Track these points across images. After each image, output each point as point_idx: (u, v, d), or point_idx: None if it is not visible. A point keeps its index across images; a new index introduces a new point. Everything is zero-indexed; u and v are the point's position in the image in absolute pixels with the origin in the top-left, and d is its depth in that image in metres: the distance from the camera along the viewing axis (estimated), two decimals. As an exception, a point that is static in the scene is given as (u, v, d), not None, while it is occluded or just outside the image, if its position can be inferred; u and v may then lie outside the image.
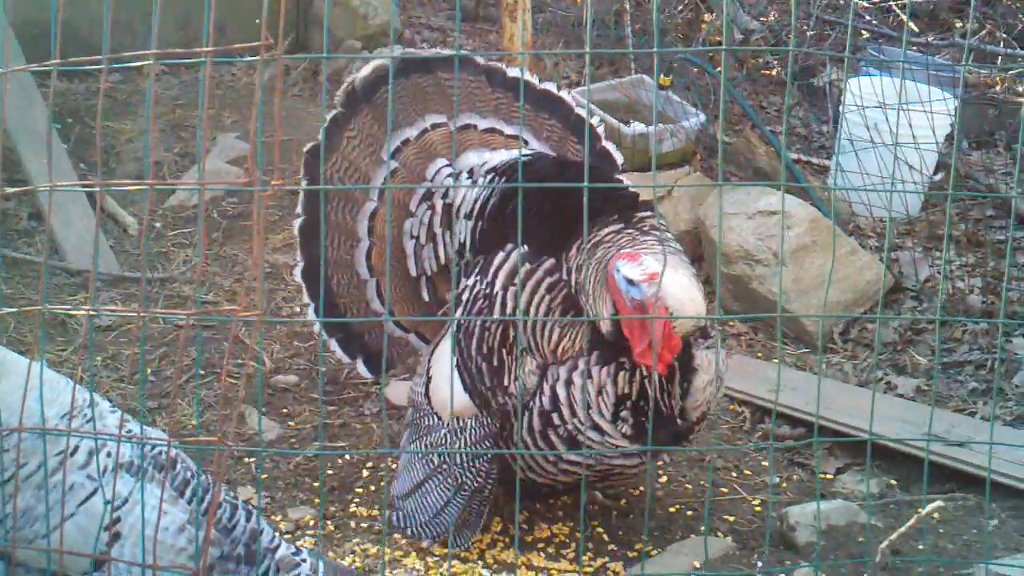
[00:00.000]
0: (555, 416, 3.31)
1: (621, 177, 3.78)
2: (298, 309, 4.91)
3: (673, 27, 7.09)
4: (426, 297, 3.82)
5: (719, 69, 5.60)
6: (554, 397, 3.31)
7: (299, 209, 3.84)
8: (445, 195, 3.71)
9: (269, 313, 4.80)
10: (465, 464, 3.48)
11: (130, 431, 2.51)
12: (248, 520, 2.61)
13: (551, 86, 3.88)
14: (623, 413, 3.28)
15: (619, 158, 3.90)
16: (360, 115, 3.82)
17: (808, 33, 6.67)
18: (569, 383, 3.28)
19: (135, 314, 1.73)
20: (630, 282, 3.13)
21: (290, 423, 4.21)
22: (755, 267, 4.89)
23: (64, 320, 4.66)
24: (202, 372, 4.42)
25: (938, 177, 5.77)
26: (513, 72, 3.86)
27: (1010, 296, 4.98)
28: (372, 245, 3.86)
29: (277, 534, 2.75)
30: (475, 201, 3.63)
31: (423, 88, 3.84)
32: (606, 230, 3.39)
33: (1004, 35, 6.89)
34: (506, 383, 3.37)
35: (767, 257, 4.88)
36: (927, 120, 5.13)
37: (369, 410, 4.30)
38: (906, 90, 4.89)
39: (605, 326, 3.26)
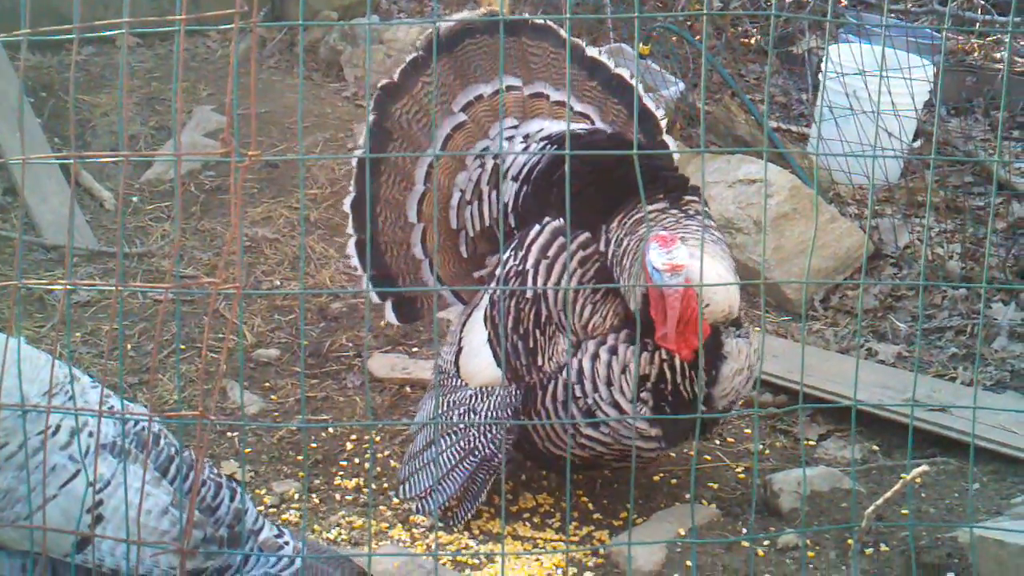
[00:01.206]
0: (577, 388, 3.32)
1: (667, 139, 3.85)
2: (278, 283, 4.88)
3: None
4: (464, 253, 3.81)
5: (699, 37, 5.58)
6: (580, 370, 3.32)
7: (363, 140, 3.83)
8: (497, 155, 3.72)
9: (249, 286, 4.76)
10: (482, 429, 3.48)
11: (111, 407, 2.48)
12: (232, 500, 2.59)
13: (625, 72, 3.84)
14: (643, 394, 3.29)
15: (677, 154, 3.90)
16: (439, 63, 3.79)
17: (788, 1, 6.65)
18: (596, 357, 3.30)
19: (112, 288, 1.70)
20: (655, 268, 3.16)
21: (272, 397, 4.19)
22: (736, 235, 4.89)
23: (42, 296, 4.62)
24: (183, 347, 4.39)
25: (917, 144, 5.78)
26: (592, 52, 3.86)
27: (989, 261, 5.00)
28: (426, 191, 3.83)
29: (261, 515, 2.73)
30: (524, 165, 3.63)
31: (505, 50, 3.81)
32: (651, 207, 3.40)
33: (982, 2, 6.89)
34: (539, 362, 3.39)
35: (747, 225, 4.88)
36: (906, 87, 5.13)
37: (352, 383, 4.29)
38: (885, 57, 4.89)
39: (634, 304, 3.26)
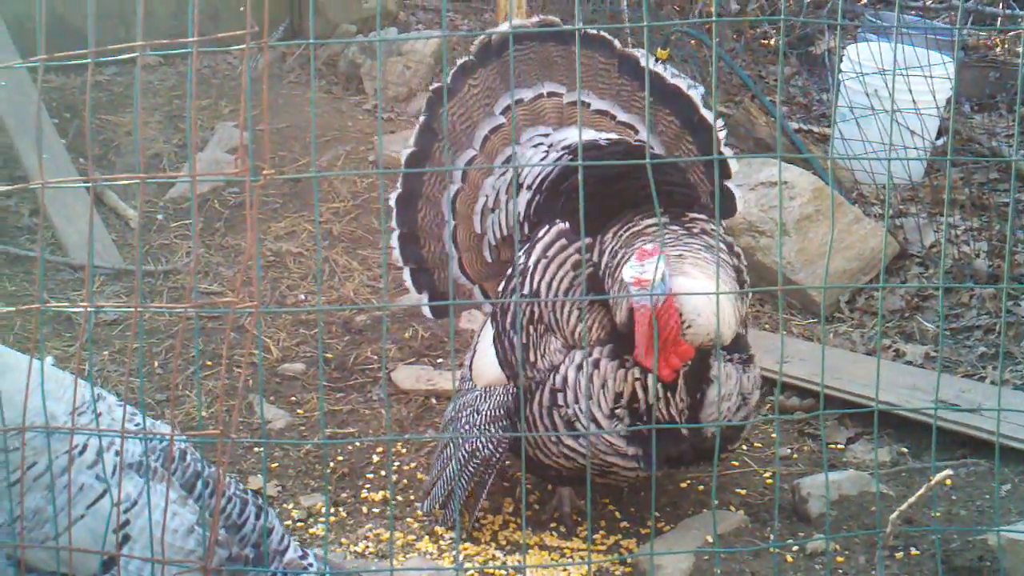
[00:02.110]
0: (560, 396, 3.31)
1: (729, 185, 3.76)
2: (303, 297, 4.91)
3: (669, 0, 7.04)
4: (488, 258, 3.84)
5: (718, 40, 5.56)
6: (564, 378, 3.31)
7: (411, 141, 3.87)
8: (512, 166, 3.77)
9: (273, 302, 4.79)
10: (482, 429, 3.48)
11: (137, 425, 2.50)
12: (258, 518, 2.60)
13: (682, 83, 3.80)
14: (618, 410, 3.26)
15: (733, 166, 3.81)
16: (487, 67, 3.84)
17: (806, 1, 6.62)
18: (580, 368, 3.27)
19: (132, 309, 1.72)
20: (625, 282, 3.11)
21: (298, 411, 4.21)
22: (759, 239, 4.87)
23: (70, 316, 4.66)
24: (209, 363, 4.42)
25: (940, 142, 5.74)
26: (593, 32, 3.85)
27: (1016, 259, 4.95)
28: (460, 189, 3.87)
29: (287, 534, 2.73)
30: (537, 175, 3.65)
31: (552, 57, 3.84)
32: (648, 222, 3.36)
33: (1003, -4, 6.84)
34: (532, 358, 3.39)
35: (771, 228, 4.86)
36: (927, 85, 5.09)
37: (377, 395, 4.30)
38: (905, 55, 4.85)
39: (619, 318, 3.24)
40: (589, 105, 3.84)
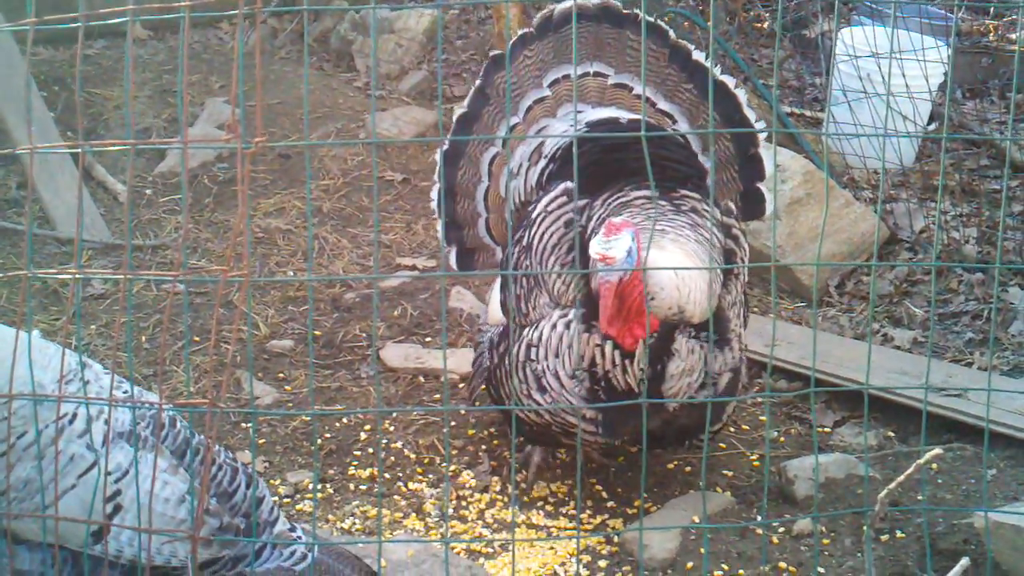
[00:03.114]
0: (534, 351, 3.40)
1: (760, 187, 3.75)
2: (291, 273, 4.89)
3: (664, -19, 7.00)
4: (508, 222, 3.90)
5: (710, 23, 5.54)
6: (540, 334, 3.39)
7: (466, 102, 3.95)
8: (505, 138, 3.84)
9: (263, 276, 4.77)
10: (487, 349, 3.68)
11: (125, 393, 2.48)
12: (248, 487, 2.59)
13: (729, 80, 3.79)
14: (579, 373, 3.30)
15: (767, 167, 3.75)
16: (543, 40, 3.88)
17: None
18: (554, 327, 3.36)
19: (121, 276, 1.70)
20: (591, 255, 3.15)
21: (286, 387, 4.19)
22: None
23: (56, 289, 4.63)
24: (197, 338, 4.40)
25: (932, 127, 5.73)
26: (698, 56, 3.81)
27: (1005, 245, 4.96)
28: (498, 153, 3.93)
29: (276, 506, 2.73)
30: (554, 146, 3.72)
31: (605, 38, 3.86)
32: (637, 193, 3.41)
33: (998, -19, 6.82)
34: (525, 310, 3.49)
35: (763, 211, 4.84)
36: (920, 69, 5.09)
37: (366, 373, 4.29)
38: (899, 39, 4.84)
39: (593, 285, 3.28)
40: (631, 89, 3.85)
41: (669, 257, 3.18)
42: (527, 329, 3.47)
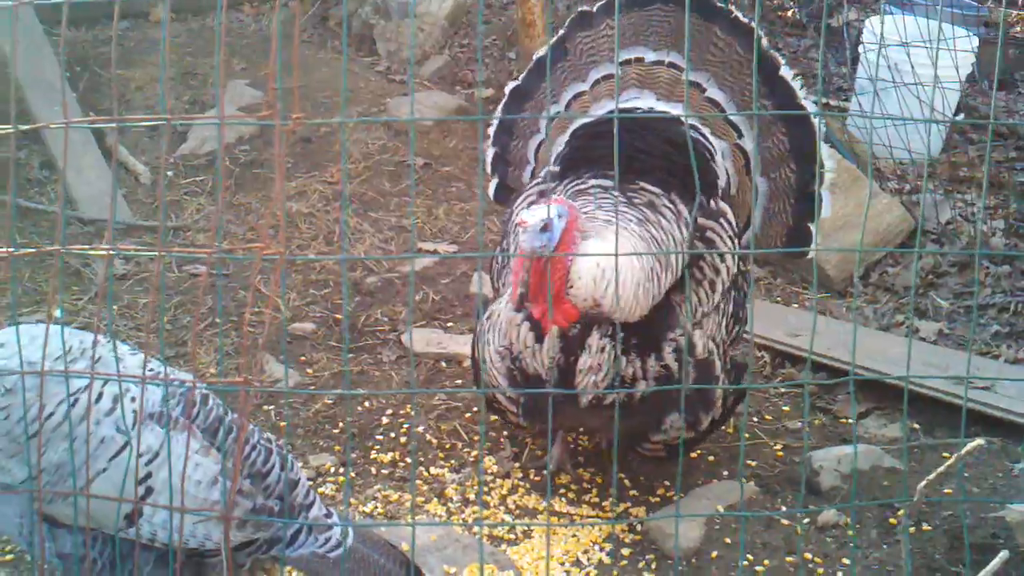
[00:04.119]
0: (487, 324, 3.36)
1: (823, 193, 3.57)
2: (312, 255, 4.88)
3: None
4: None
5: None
6: (494, 308, 3.37)
7: (547, 47, 3.83)
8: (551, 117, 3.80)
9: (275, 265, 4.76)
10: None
11: (151, 370, 2.45)
12: (283, 468, 2.56)
13: (788, 72, 3.60)
14: (500, 350, 3.26)
15: (825, 207, 3.59)
16: (628, 14, 3.73)
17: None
18: (505, 304, 3.32)
19: (155, 254, 1.69)
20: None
21: (308, 370, 4.19)
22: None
23: (78, 270, 4.63)
24: (218, 320, 4.39)
25: (959, 118, 5.68)
26: (785, 72, 3.60)
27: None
28: (559, 112, 3.86)
29: (312, 490, 2.69)
30: (579, 124, 3.67)
31: (676, 24, 3.70)
32: (594, 182, 3.35)
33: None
34: (497, 283, 3.56)
35: (787, 200, 4.81)
36: (950, 58, 5.04)
37: (387, 357, 4.27)
38: (929, 28, 4.80)
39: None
40: (704, 90, 3.68)
41: (597, 247, 3.04)
42: (491, 303, 3.45)
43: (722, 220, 3.45)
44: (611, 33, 3.75)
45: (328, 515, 2.65)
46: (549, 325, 3.11)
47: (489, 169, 3.95)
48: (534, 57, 3.92)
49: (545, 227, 2.99)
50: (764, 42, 3.64)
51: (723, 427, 3.61)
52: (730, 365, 3.43)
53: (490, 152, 3.92)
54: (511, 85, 3.92)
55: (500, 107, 3.92)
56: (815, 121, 3.57)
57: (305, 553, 2.59)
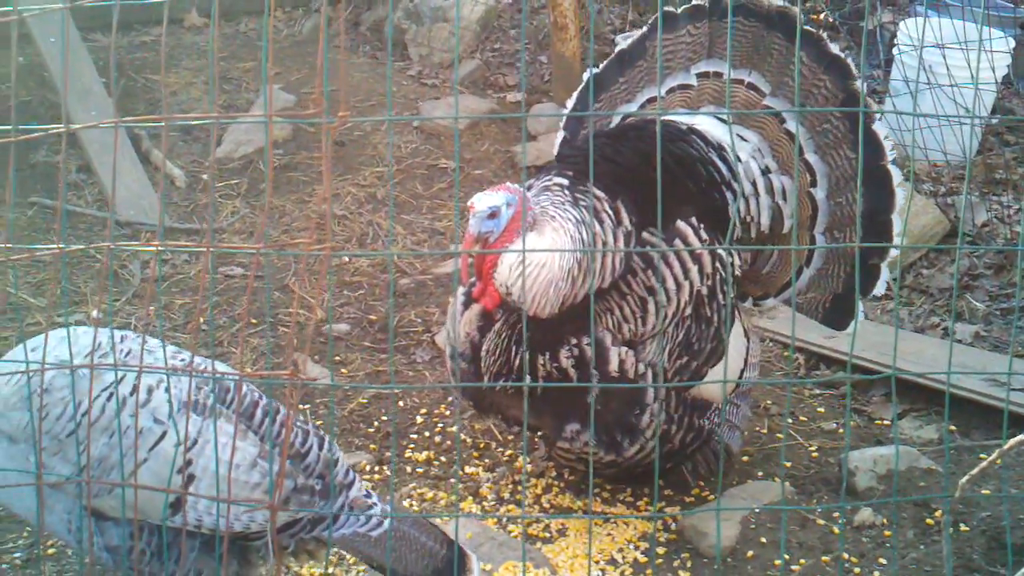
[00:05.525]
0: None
1: (894, 204, 3.41)
2: (346, 260, 4.91)
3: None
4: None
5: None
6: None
7: (629, 43, 3.79)
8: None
9: (318, 263, 4.79)
10: None
11: (183, 362, 2.49)
12: (320, 448, 2.61)
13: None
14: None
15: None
16: (709, 21, 3.63)
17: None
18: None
19: (203, 250, 1.71)
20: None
21: (343, 370, 4.21)
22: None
23: (115, 271, 4.68)
24: (254, 321, 4.43)
25: (994, 121, 5.65)
26: (833, 49, 3.46)
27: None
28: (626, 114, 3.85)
29: (352, 469, 2.74)
30: (609, 125, 3.71)
31: (771, 47, 3.54)
32: (556, 180, 3.34)
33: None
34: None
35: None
36: (987, 60, 5.01)
37: (421, 358, 4.30)
38: (966, 30, 4.78)
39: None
40: (783, 121, 3.53)
41: (532, 241, 3.11)
42: None
43: (677, 242, 3.30)
44: (689, 40, 3.65)
45: (368, 495, 2.69)
46: (484, 301, 3.23)
47: (556, 151, 3.91)
48: (616, 49, 3.82)
49: (493, 215, 3.14)
50: (855, 74, 3.44)
51: (681, 463, 3.51)
52: (683, 404, 3.34)
53: (560, 135, 3.89)
54: (592, 72, 3.70)
55: (576, 93, 3.86)
56: (898, 191, 3.40)
57: (347, 532, 2.64)
